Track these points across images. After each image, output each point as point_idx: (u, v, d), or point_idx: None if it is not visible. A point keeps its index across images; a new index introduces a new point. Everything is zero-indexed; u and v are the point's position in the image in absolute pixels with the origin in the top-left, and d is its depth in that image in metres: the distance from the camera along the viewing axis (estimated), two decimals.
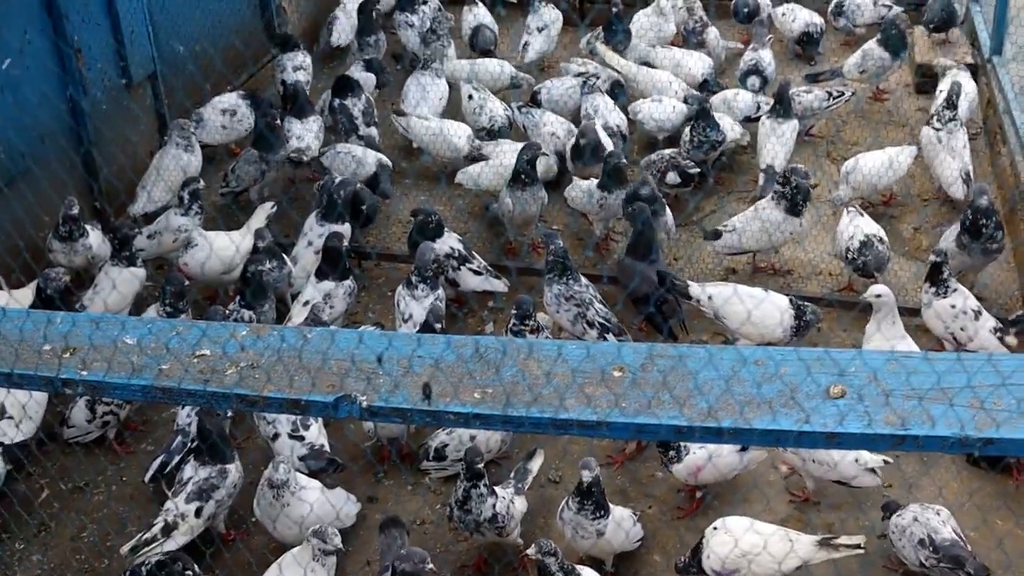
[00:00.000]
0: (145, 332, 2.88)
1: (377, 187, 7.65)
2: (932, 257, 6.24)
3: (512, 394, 2.57)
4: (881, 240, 6.76)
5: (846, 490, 5.47)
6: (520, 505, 5.27)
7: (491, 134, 8.30)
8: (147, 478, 5.62)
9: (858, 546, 4.91)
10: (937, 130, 7.51)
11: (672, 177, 7.62)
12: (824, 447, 2.37)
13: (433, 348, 2.70)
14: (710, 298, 6.28)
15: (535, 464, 5.51)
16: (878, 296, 5.89)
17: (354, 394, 2.62)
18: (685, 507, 5.56)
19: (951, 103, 7.52)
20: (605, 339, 6.12)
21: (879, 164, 7.39)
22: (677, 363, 2.58)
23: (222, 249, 6.73)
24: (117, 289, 6.46)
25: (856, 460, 5.26)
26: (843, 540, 4.94)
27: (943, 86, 8.08)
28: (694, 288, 6.34)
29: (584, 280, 6.42)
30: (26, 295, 6.33)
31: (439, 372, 2.63)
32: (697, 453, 5.31)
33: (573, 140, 7.74)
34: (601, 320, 6.26)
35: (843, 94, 8.44)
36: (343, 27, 9.83)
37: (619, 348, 2.65)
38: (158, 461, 5.63)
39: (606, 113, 8.17)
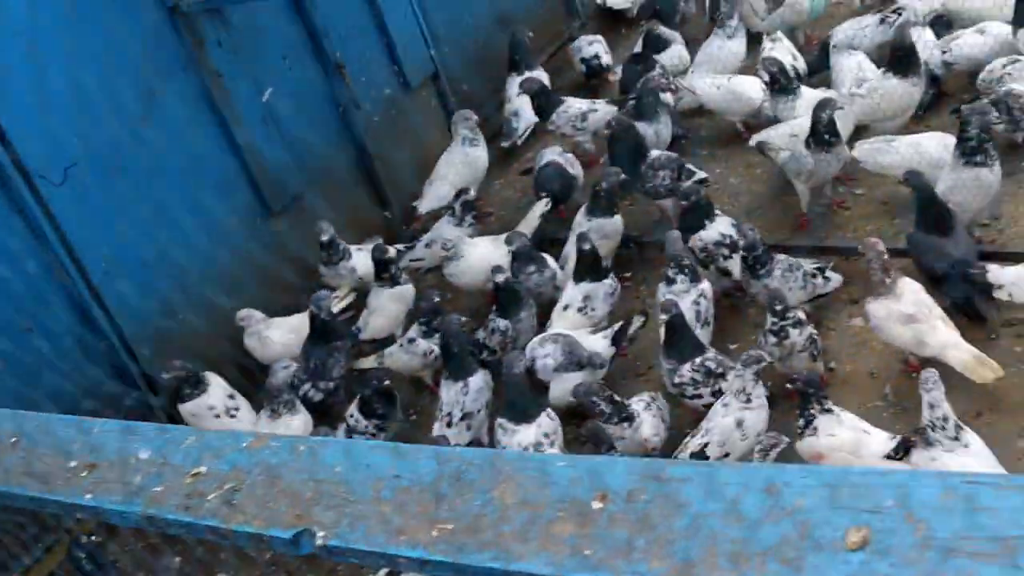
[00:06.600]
0: (160, 444, 2.69)
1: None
2: None
3: (474, 530, 2.10)
4: None
5: None
6: None
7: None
8: None
9: None
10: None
11: None
12: None
13: (416, 464, 2.29)
14: (1010, 296, 5.19)
15: None
16: None
17: (313, 528, 2.27)
18: None
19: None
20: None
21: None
22: (670, 489, 1.99)
23: (484, 257, 6.52)
24: (383, 310, 6.47)
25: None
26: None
27: None
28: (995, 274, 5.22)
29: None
30: (297, 321, 6.41)
31: (407, 497, 2.22)
32: None
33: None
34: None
35: None
36: None
37: (611, 465, 2.09)
38: None
39: (925, 51, 7.07)
